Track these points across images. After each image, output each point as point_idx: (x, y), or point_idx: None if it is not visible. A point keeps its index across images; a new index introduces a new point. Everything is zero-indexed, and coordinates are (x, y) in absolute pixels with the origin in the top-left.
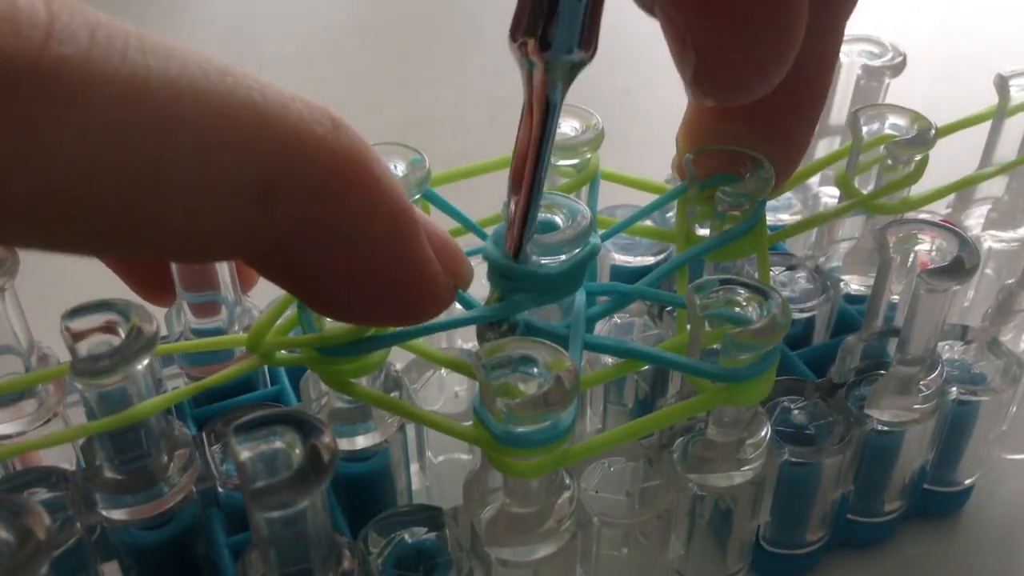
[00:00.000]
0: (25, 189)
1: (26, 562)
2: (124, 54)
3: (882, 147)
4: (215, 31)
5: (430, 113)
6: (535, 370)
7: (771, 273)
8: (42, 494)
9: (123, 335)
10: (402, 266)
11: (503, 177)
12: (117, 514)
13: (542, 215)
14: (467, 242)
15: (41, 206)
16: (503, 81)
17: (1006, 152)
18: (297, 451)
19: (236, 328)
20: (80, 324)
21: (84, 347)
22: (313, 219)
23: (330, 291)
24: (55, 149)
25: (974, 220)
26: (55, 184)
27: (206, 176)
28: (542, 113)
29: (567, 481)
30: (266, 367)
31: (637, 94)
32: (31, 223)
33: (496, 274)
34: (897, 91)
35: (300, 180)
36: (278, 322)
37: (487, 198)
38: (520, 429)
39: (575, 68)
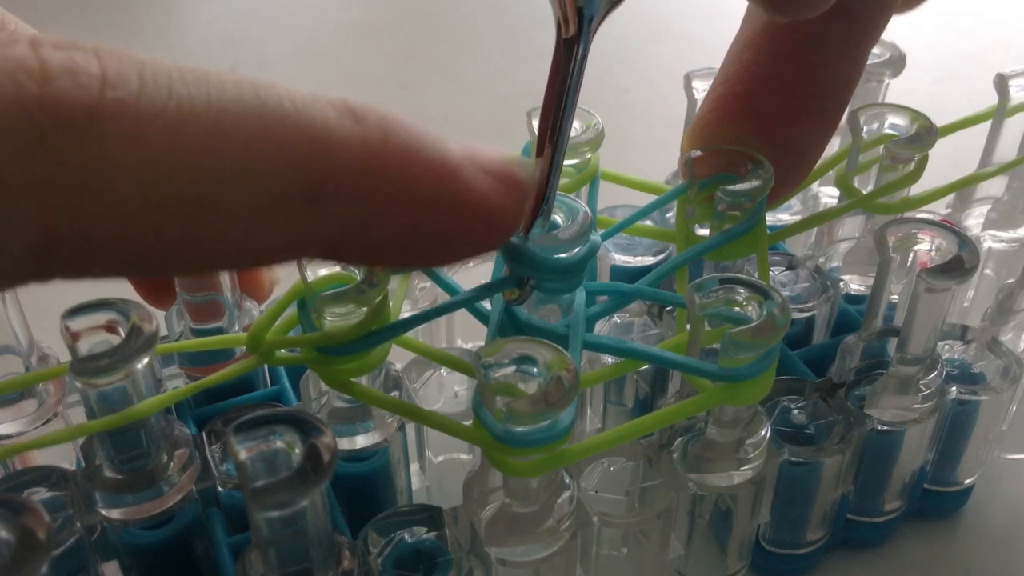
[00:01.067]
0: (94, 224)
1: (26, 562)
2: (169, 88)
3: (882, 147)
4: (215, 31)
5: (430, 113)
6: (535, 370)
7: (771, 273)
8: (42, 494)
9: (123, 334)
10: (456, 211)
11: None
12: (117, 513)
13: None
14: None
15: (110, 239)
16: (503, 81)
17: (1006, 152)
18: (297, 451)
19: (236, 329)
20: (80, 323)
21: (84, 346)
22: (361, 206)
23: (402, 256)
24: (118, 184)
25: (974, 220)
26: (121, 216)
27: (253, 188)
28: (571, 48)
29: (567, 481)
30: (266, 367)
31: (636, 94)
32: (102, 254)
33: (507, 254)
34: (897, 91)
35: (339, 176)
36: (278, 322)
37: None
38: (520, 428)
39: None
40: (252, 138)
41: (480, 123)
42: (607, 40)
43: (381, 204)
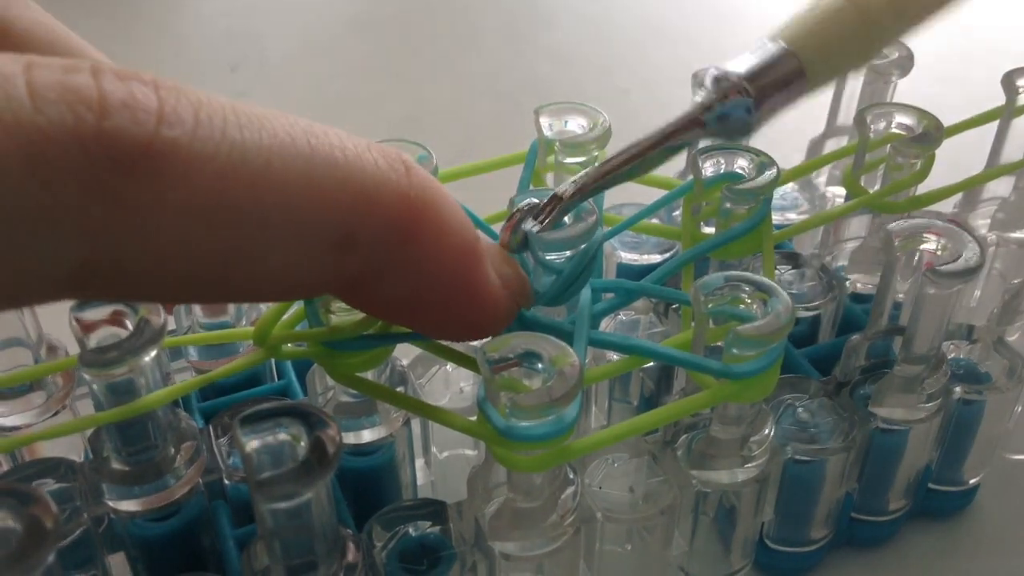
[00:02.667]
0: (133, 260)
1: (33, 551)
2: (223, 131)
3: (889, 146)
4: (217, 29)
5: (430, 109)
6: (539, 365)
7: (776, 271)
8: (50, 485)
9: (131, 327)
10: (467, 295)
11: (509, 174)
12: (124, 505)
13: None
14: None
15: (145, 273)
16: (503, 77)
17: (1013, 152)
18: (302, 443)
19: (244, 323)
20: (88, 316)
21: (92, 339)
22: (386, 259)
23: (403, 316)
24: (161, 224)
25: (981, 220)
26: (159, 255)
27: (291, 234)
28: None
29: (571, 476)
30: (272, 361)
31: (636, 94)
32: (135, 286)
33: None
34: (904, 90)
35: (375, 227)
36: (285, 316)
37: (493, 195)
38: (524, 424)
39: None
40: (298, 188)
41: (481, 119)
42: (607, 40)
43: (404, 260)
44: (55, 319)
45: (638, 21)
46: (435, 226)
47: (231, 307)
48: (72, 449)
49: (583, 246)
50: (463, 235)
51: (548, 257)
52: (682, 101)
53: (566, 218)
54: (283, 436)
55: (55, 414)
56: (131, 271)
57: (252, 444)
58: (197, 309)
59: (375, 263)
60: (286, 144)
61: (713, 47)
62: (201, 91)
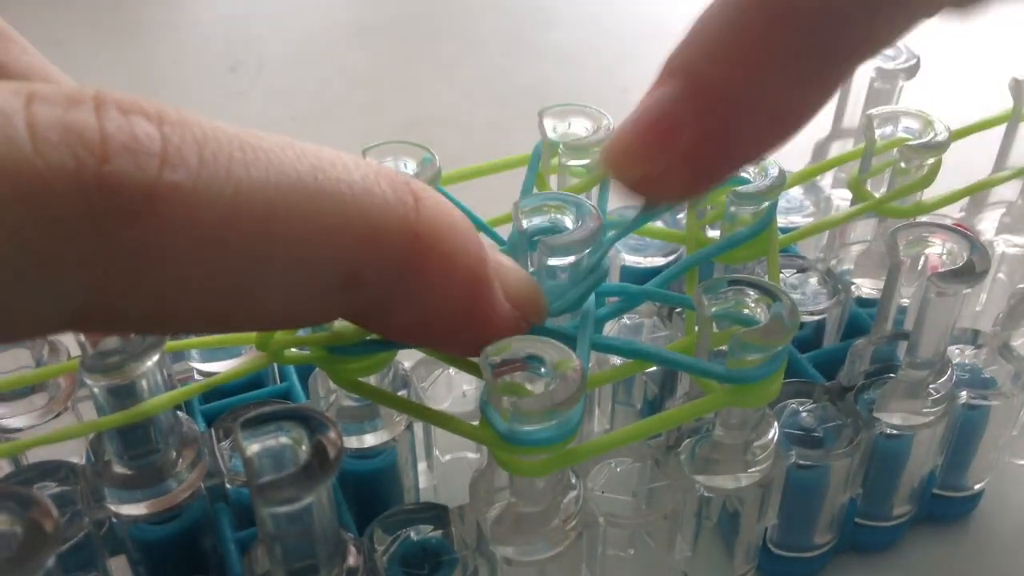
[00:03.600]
0: (133, 303)
1: (33, 555)
2: (229, 170)
3: (895, 150)
4: (216, 31)
5: (430, 112)
6: (542, 369)
7: (781, 275)
8: (51, 488)
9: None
10: (474, 321)
11: (512, 177)
12: (125, 509)
13: (553, 216)
14: None
15: (145, 315)
16: (503, 78)
17: (1020, 156)
18: (303, 447)
19: None
20: None
21: (95, 343)
22: (393, 293)
23: (411, 339)
24: (163, 269)
25: (987, 224)
26: (160, 298)
27: (295, 276)
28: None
29: (573, 481)
30: (275, 364)
31: (636, 94)
32: (134, 325)
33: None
34: (911, 94)
35: (381, 265)
36: None
37: (496, 197)
38: (526, 428)
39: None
40: (302, 228)
41: (481, 120)
42: (607, 40)
43: (410, 293)
44: None
45: (638, 21)
46: (443, 259)
47: None
48: (74, 451)
49: (595, 261)
50: (471, 264)
51: (551, 263)
52: None
53: (570, 223)
54: (284, 440)
55: (57, 415)
56: (131, 314)
57: (253, 448)
58: None
59: (382, 297)
60: (293, 182)
61: None
62: (206, 121)
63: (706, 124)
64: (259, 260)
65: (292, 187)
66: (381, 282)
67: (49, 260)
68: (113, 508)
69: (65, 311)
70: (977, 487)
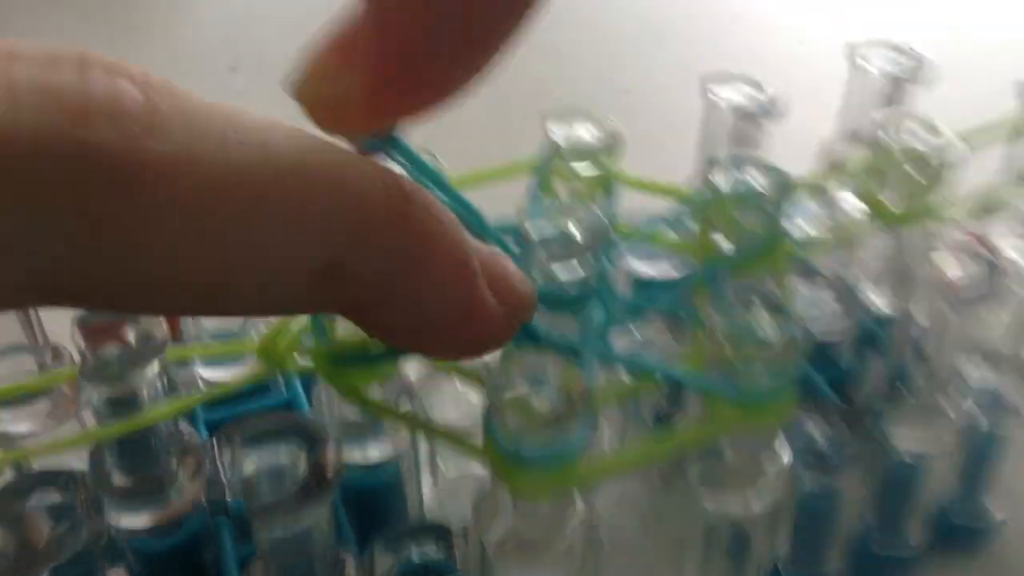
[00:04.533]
0: (108, 281)
1: (24, 571)
2: (220, 144)
3: (907, 159)
4: (216, 31)
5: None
6: (547, 386)
7: (793, 289)
8: (52, 497)
9: (133, 340)
10: (460, 315)
11: (514, 182)
12: (125, 521)
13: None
14: None
15: (122, 292)
16: (504, 82)
17: None
18: (302, 464)
19: (251, 335)
20: (92, 328)
21: (95, 351)
22: (376, 287)
23: (396, 338)
24: (142, 248)
25: (1002, 233)
26: (138, 276)
27: (279, 261)
28: None
29: (578, 502)
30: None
31: (636, 94)
32: (111, 300)
33: None
34: (923, 101)
35: (366, 256)
36: (291, 329)
37: (498, 201)
38: (530, 447)
39: None
40: (293, 211)
41: (481, 121)
42: (607, 40)
43: (393, 287)
44: (57, 321)
45: (638, 21)
46: (427, 252)
47: (239, 320)
48: (77, 456)
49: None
50: (456, 257)
51: (553, 266)
52: (682, 101)
53: (572, 227)
54: (282, 457)
55: (63, 422)
56: (109, 289)
57: (250, 467)
58: (204, 321)
59: (361, 291)
60: (282, 164)
61: (714, 47)
62: (194, 96)
63: (386, 41)
64: (244, 245)
65: (281, 164)
66: (367, 275)
67: (23, 226)
68: (112, 520)
69: (41, 283)
70: (997, 517)
